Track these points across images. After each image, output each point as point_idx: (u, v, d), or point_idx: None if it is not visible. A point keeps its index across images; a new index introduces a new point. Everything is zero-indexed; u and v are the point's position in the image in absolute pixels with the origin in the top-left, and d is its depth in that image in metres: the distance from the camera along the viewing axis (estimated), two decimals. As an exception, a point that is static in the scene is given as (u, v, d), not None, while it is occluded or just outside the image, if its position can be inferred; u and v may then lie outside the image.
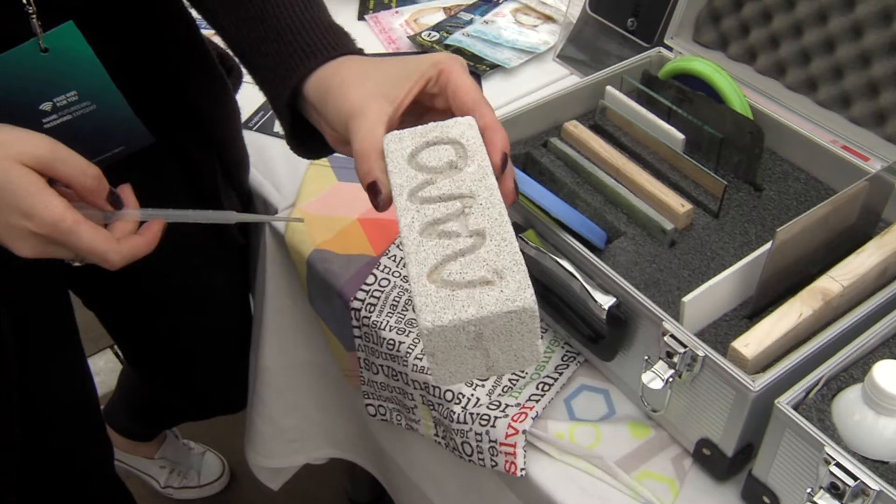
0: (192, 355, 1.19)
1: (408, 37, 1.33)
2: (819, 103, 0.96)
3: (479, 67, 1.26)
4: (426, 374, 0.87)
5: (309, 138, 0.74)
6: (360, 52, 0.71)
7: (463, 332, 0.53)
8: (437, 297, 0.54)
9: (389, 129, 0.65)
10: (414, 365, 0.88)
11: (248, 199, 1.09)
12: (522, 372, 0.86)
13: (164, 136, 0.90)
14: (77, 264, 0.71)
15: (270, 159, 1.12)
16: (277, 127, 1.19)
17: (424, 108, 0.69)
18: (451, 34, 1.33)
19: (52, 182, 0.66)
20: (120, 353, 2.16)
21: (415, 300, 0.54)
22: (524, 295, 0.53)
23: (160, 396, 1.35)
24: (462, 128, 0.64)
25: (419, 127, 0.65)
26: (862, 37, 0.91)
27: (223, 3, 0.75)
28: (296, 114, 0.72)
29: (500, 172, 0.63)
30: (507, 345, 0.55)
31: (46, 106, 0.77)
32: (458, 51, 1.29)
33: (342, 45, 0.70)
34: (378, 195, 0.62)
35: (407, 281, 0.95)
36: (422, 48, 1.31)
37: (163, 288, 1.09)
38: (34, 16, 0.71)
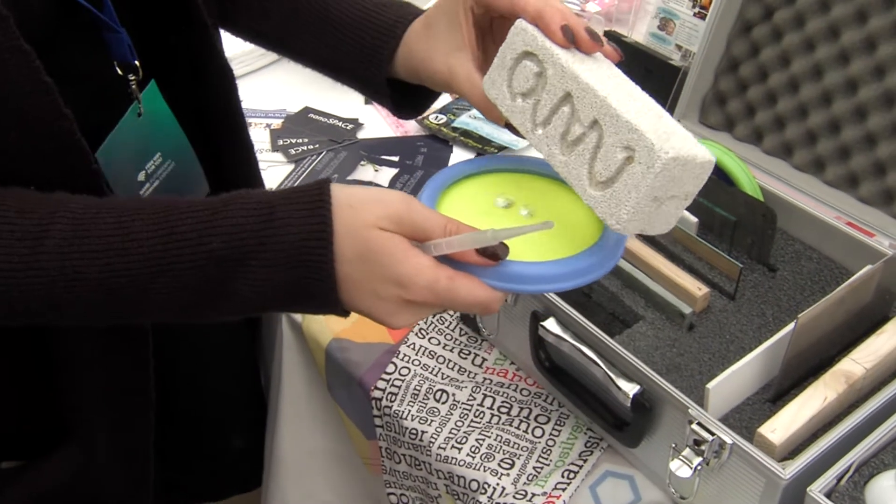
0: (205, 433, 1.18)
1: (416, 120, 1.36)
2: (827, 183, 0.98)
3: (487, 150, 1.28)
4: (450, 463, 0.87)
5: (413, 99, 0.80)
6: (419, 12, 0.77)
7: (637, 212, 0.59)
8: (605, 199, 0.59)
9: (479, 66, 0.69)
10: (437, 454, 0.88)
11: None
12: (546, 459, 0.86)
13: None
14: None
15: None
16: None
17: (487, 21, 0.72)
18: (457, 116, 1.35)
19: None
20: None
21: (596, 211, 0.60)
22: (659, 150, 0.56)
23: (174, 478, 1.34)
24: (520, 36, 0.65)
25: (495, 60, 0.66)
26: (866, 118, 0.93)
27: (289, 28, 0.82)
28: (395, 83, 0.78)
29: (572, 44, 0.62)
30: (677, 187, 0.60)
31: (141, 176, 0.77)
32: (466, 133, 1.31)
33: (405, 12, 0.76)
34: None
35: (427, 369, 0.95)
36: (429, 131, 1.33)
37: (174, 370, 1.09)
38: (134, 82, 0.72)
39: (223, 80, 0.84)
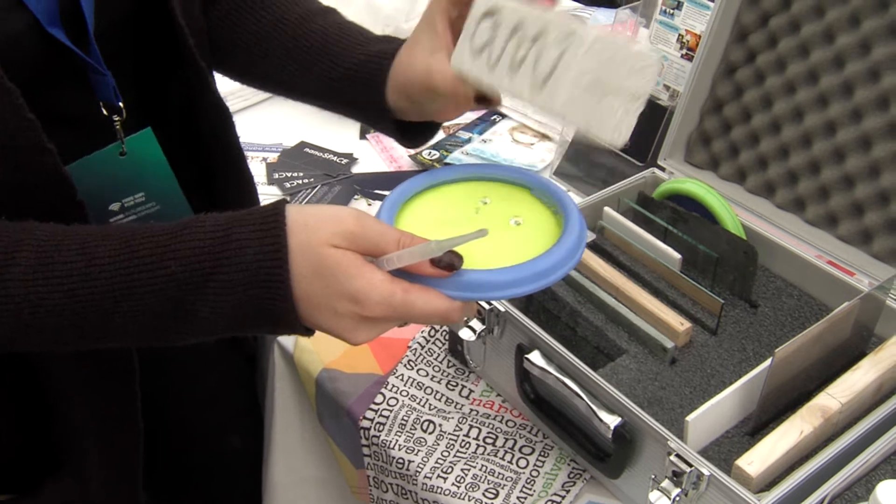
0: (204, 470, 1.19)
1: (409, 156, 1.38)
2: (808, 221, 1.00)
3: (479, 185, 1.31)
4: (436, 493, 0.88)
5: (414, 125, 0.82)
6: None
7: (573, 97, 0.62)
8: (547, 97, 0.63)
9: (448, 50, 0.72)
10: (424, 484, 0.89)
11: None
12: (530, 490, 0.88)
13: None
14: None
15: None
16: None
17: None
18: (450, 153, 1.38)
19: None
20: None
21: (543, 112, 0.64)
22: (584, 35, 0.61)
23: None
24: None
25: (461, 35, 0.70)
26: (845, 160, 0.96)
27: (288, 65, 0.84)
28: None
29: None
30: (614, 76, 0.62)
31: (115, 206, 0.79)
32: (458, 169, 1.34)
33: (392, 41, 0.80)
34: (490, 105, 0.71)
35: (415, 400, 0.97)
36: (422, 167, 1.36)
37: (174, 400, 1.10)
38: (119, 123, 0.75)
39: (219, 118, 0.87)
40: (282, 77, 0.86)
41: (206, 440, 1.16)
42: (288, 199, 0.62)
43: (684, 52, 1.27)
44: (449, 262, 0.61)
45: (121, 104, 0.75)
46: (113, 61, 0.75)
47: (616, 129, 0.63)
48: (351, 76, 0.80)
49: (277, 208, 0.61)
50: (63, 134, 0.76)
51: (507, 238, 0.68)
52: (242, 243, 0.60)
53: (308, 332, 0.63)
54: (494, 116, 1.48)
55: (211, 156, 0.89)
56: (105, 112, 0.75)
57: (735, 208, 1.02)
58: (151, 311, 0.61)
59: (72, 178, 0.70)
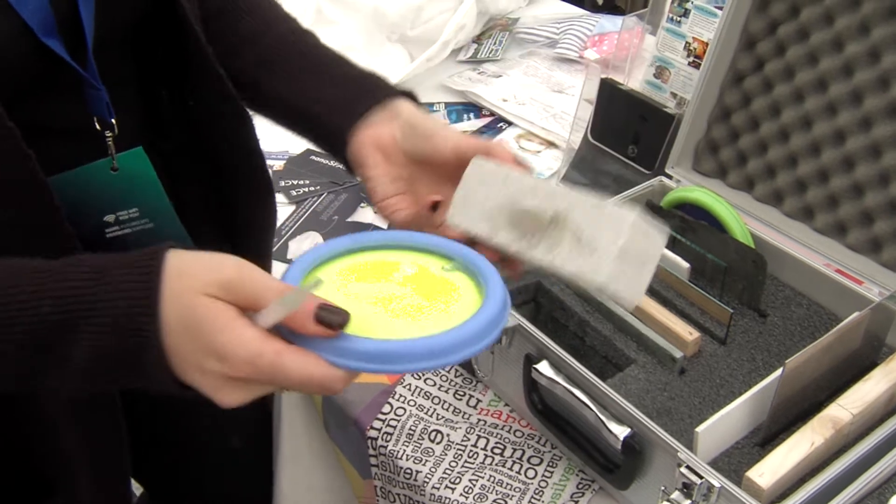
0: (215, 482, 1.19)
1: (415, 163, 1.38)
2: (816, 230, 1.00)
3: (486, 193, 1.30)
4: (443, 503, 0.88)
5: None
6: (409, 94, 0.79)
7: (615, 268, 0.64)
8: (589, 264, 0.65)
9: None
10: (431, 494, 0.89)
11: None
12: (538, 500, 0.87)
13: None
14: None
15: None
16: (290, 253, 1.22)
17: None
18: (457, 160, 1.38)
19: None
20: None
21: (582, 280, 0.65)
22: (628, 213, 0.65)
23: None
24: (482, 169, 0.71)
25: (458, 196, 0.72)
26: (854, 168, 0.95)
27: (263, 65, 0.83)
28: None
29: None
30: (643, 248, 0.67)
31: (110, 218, 0.80)
32: (465, 177, 1.34)
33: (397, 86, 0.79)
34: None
35: (422, 410, 0.97)
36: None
37: (182, 406, 1.10)
38: (111, 139, 0.74)
39: (242, 124, 0.86)
40: (249, 83, 0.84)
41: (211, 450, 1.15)
42: (174, 245, 0.58)
43: (691, 59, 1.26)
44: (328, 321, 0.55)
45: (113, 120, 0.74)
46: (112, 74, 0.74)
47: (641, 292, 0.67)
48: (330, 92, 0.80)
49: (156, 253, 0.57)
50: (54, 145, 0.75)
51: (423, 308, 0.63)
52: (116, 287, 0.56)
53: (184, 389, 0.58)
54: (501, 124, 1.48)
55: (228, 164, 0.88)
56: (98, 127, 0.74)
57: (743, 217, 1.02)
58: (25, 349, 0.57)
59: (51, 185, 0.68)
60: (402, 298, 0.63)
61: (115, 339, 0.56)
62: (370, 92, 0.78)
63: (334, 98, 0.79)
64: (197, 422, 1.09)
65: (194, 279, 0.55)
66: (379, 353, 0.56)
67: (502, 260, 0.71)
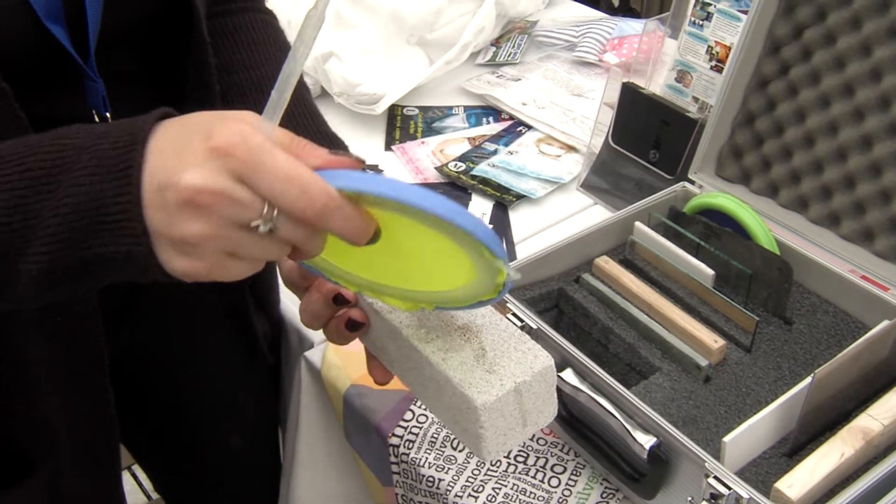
0: (220, 481, 1.19)
1: (435, 167, 1.38)
2: (843, 237, 0.99)
3: (506, 198, 1.30)
4: (466, 512, 0.87)
5: None
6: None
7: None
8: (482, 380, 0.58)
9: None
10: (454, 502, 0.88)
11: (278, 325, 1.11)
12: (562, 510, 0.87)
13: None
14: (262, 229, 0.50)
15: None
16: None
17: None
18: (476, 164, 1.37)
19: None
20: (137, 476, 2.14)
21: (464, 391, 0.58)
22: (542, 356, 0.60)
23: None
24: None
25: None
26: (881, 175, 0.94)
27: (230, 97, 0.81)
28: None
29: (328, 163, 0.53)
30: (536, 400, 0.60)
31: None
32: (485, 181, 1.33)
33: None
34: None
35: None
36: (448, 179, 1.35)
37: (192, 407, 1.10)
38: None
39: None
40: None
41: (221, 451, 1.15)
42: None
43: (713, 63, 1.25)
44: (350, 158, 0.51)
45: (108, 114, 0.74)
46: (113, 68, 0.74)
47: (501, 450, 0.60)
48: None
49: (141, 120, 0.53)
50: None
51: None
52: (107, 129, 0.53)
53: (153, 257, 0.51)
54: (520, 128, 1.47)
55: None
56: (97, 120, 0.74)
57: (767, 223, 1.01)
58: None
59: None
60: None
61: (91, 185, 0.51)
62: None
63: None
64: (198, 419, 1.09)
65: (180, 122, 0.53)
66: (375, 179, 0.50)
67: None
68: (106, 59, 0.72)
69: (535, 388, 0.59)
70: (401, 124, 1.50)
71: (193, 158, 0.48)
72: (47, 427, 0.82)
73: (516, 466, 0.91)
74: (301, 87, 0.85)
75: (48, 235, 0.52)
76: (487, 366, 0.59)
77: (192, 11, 0.76)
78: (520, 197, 1.30)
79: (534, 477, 0.90)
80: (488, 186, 1.32)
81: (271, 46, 0.86)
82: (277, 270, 1.06)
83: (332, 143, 0.79)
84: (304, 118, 0.83)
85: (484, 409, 0.56)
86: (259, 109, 0.54)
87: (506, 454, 0.60)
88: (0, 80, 0.63)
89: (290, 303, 1.14)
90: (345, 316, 0.63)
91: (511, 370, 0.58)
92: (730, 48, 1.19)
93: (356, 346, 1.05)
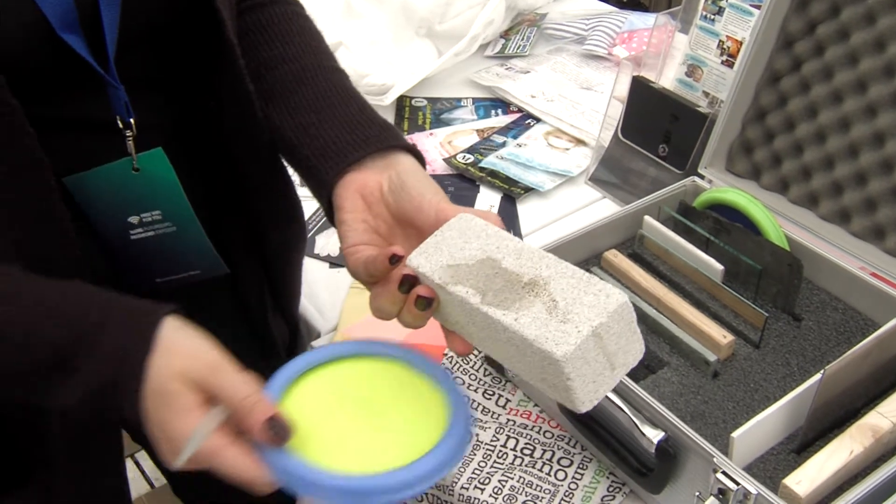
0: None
1: (443, 159, 1.37)
2: (853, 234, 0.99)
3: (514, 190, 1.29)
4: (472, 504, 0.87)
5: None
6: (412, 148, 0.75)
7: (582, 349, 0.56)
8: (555, 332, 0.57)
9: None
10: (460, 495, 0.88)
11: (295, 327, 1.10)
12: (569, 503, 0.86)
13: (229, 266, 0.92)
14: None
15: (314, 282, 1.15)
16: (318, 248, 1.22)
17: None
18: (485, 157, 1.37)
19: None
20: (140, 464, 2.15)
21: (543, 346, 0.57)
22: (616, 294, 0.57)
23: None
24: (466, 223, 0.65)
25: (431, 241, 0.66)
26: (893, 171, 0.94)
27: (273, 93, 0.81)
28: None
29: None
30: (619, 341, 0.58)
31: (134, 219, 0.80)
32: (493, 173, 1.33)
33: (402, 137, 0.76)
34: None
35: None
36: (457, 171, 1.35)
37: None
38: (131, 139, 0.75)
39: (262, 136, 0.85)
40: (270, 93, 0.83)
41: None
42: (174, 310, 0.64)
43: (724, 58, 1.25)
44: (275, 433, 0.60)
45: (131, 120, 0.74)
46: (134, 74, 0.74)
47: (593, 399, 0.59)
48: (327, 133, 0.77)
49: (153, 323, 0.62)
50: (77, 142, 0.75)
51: (383, 427, 0.65)
52: (112, 349, 0.61)
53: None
54: (529, 120, 1.47)
55: (249, 167, 0.87)
56: (120, 125, 0.75)
57: (777, 218, 1.00)
58: (6, 380, 0.63)
59: (71, 191, 0.72)
60: (371, 410, 0.67)
61: (100, 397, 0.61)
62: (368, 141, 0.74)
63: (328, 141, 0.76)
64: None
65: (176, 361, 0.61)
66: (308, 480, 0.60)
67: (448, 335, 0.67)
68: (126, 64, 0.72)
69: (615, 328, 0.57)
70: (409, 115, 1.50)
71: (164, 448, 0.62)
72: (44, 432, 0.83)
73: (522, 459, 0.91)
74: (342, 75, 0.84)
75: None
76: (561, 316, 0.57)
77: (215, 14, 0.76)
78: (528, 189, 1.30)
79: (540, 470, 0.90)
80: (496, 179, 1.32)
81: (305, 36, 0.85)
82: (300, 272, 1.06)
83: (370, 127, 0.77)
84: (337, 106, 0.82)
85: (566, 360, 0.55)
86: (302, 102, 0.74)
87: (579, 410, 0.59)
88: (10, 97, 0.64)
89: (307, 303, 1.13)
90: (413, 296, 0.64)
91: (585, 315, 0.56)
92: (741, 43, 1.19)
93: (363, 335, 1.06)
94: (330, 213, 0.75)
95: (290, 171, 0.91)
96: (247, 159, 0.86)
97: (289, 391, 0.67)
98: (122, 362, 0.61)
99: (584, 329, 0.56)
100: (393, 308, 0.65)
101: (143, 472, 2.14)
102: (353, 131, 0.75)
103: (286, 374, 0.68)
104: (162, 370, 0.61)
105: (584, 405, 0.58)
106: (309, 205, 1.26)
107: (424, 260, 0.64)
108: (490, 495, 0.88)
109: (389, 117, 1.49)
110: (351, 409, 0.67)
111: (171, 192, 0.80)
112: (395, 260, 0.64)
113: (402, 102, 1.52)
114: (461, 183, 1.33)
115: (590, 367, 0.57)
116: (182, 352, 0.62)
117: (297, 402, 0.67)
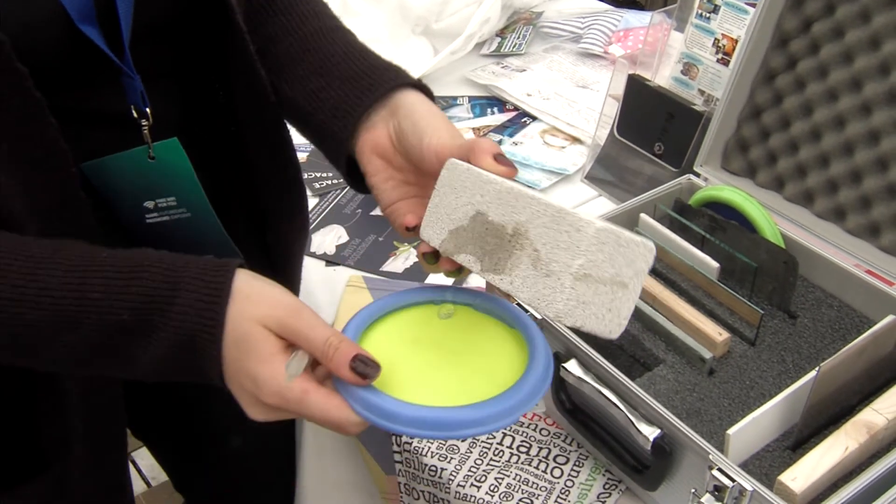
0: (240, 476, 1.18)
1: (439, 158, 1.37)
2: (848, 231, 0.99)
3: (510, 189, 1.29)
4: (469, 501, 0.87)
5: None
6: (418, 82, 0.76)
7: (576, 292, 0.56)
8: (545, 289, 0.57)
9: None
10: (456, 492, 0.89)
11: None
12: (565, 500, 0.87)
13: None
14: None
15: (309, 281, 1.15)
16: (315, 246, 1.22)
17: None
18: (480, 155, 1.37)
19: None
20: (136, 463, 2.15)
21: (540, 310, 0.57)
22: (591, 221, 0.55)
23: None
24: (455, 172, 0.64)
25: (430, 208, 0.66)
26: (888, 169, 0.94)
27: (282, 65, 0.81)
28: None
29: (503, 171, 0.64)
30: (614, 267, 0.57)
31: (150, 204, 0.81)
32: (489, 172, 1.33)
33: (404, 75, 0.76)
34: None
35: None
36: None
37: (206, 400, 1.09)
38: (146, 128, 0.75)
39: (277, 124, 0.86)
40: (282, 65, 0.84)
41: (235, 441, 1.15)
42: (242, 263, 0.64)
43: (720, 56, 1.25)
44: (362, 371, 0.60)
45: (147, 109, 0.75)
46: (149, 64, 0.75)
47: (619, 324, 0.59)
48: (336, 93, 0.77)
49: (227, 271, 0.62)
50: (94, 131, 0.76)
51: (462, 366, 0.65)
52: (188, 302, 0.61)
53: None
54: (525, 119, 1.47)
55: (261, 156, 0.88)
56: (135, 115, 0.75)
57: (773, 217, 1.00)
58: (92, 347, 0.62)
59: (88, 176, 0.72)
60: (449, 350, 0.66)
61: (181, 351, 0.62)
62: (371, 88, 0.74)
63: (337, 101, 0.76)
64: (213, 413, 1.09)
65: (256, 307, 0.61)
66: (395, 415, 0.59)
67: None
68: (141, 55, 0.73)
69: (600, 257, 0.55)
70: (405, 114, 1.50)
71: (249, 399, 0.62)
72: (66, 424, 0.83)
73: (519, 457, 0.91)
74: (344, 32, 0.84)
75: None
76: (544, 268, 0.57)
77: (225, 2, 0.76)
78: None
79: (536, 467, 0.90)
80: (493, 177, 1.32)
81: (304, 5, 0.86)
82: (300, 267, 1.06)
83: (373, 74, 0.77)
84: (340, 64, 0.82)
85: (565, 316, 0.55)
86: (309, 69, 0.77)
87: (612, 337, 0.58)
88: (34, 90, 0.64)
89: (303, 300, 1.13)
90: (442, 267, 0.68)
91: (563, 261, 0.55)
92: (736, 41, 1.19)
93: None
94: (349, 178, 0.78)
95: (298, 163, 0.93)
96: (258, 147, 0.87)
97: (364, 336, 0.67)
98: (200, 314, 0.61)
99: (565, 280, 0.55)
100: (439, 270, 0.69)
101: (139, 470, 2.14)
102: (358, 83, 0.76)
103: (358, 321, 0.67)
104: (243, 317, 0.61)
105: (613, 333, 0.59)
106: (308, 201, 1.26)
107: (431, 231, 0.66)
108: (486, 492, 0.88)
109: (385, 116, 1.49)
110: (428, 350, 0.67)
111: (186, 180, 0.80)
112: (411, 229, 0.68)
113: (398, 101, 1.52)
114: (457, 181, 1.33)
115: (594, 304, 0.56)
116: (260, 299, 0.62)
117: (375, 345, 0.66)
